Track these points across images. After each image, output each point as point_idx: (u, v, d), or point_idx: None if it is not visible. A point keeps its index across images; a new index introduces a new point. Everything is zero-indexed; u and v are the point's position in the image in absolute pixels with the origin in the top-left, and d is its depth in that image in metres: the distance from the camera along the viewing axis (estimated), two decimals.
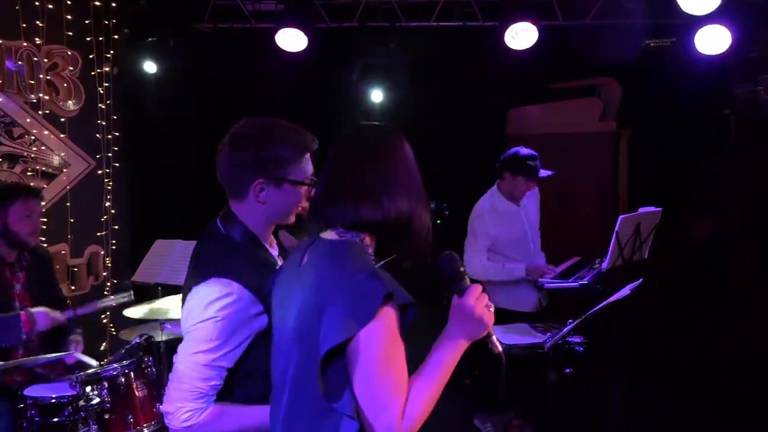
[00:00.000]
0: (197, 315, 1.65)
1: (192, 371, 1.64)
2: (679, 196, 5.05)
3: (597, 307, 2.87)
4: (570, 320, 2.99)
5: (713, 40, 4.49)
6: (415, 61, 5.18)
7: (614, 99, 5.82)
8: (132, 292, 3.61)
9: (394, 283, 1.35)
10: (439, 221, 5.60)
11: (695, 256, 5.13)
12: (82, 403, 2.60)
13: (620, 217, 3.41)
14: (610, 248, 3.40)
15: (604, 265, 3.45)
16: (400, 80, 5.06)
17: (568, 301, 3.72)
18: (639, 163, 5.69)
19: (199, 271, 1.70)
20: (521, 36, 4.65)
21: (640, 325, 3.86)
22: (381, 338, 1.29)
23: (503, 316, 3.83)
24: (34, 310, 3.00)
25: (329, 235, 1.47)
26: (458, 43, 5.28)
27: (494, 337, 1.46)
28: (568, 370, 3.12)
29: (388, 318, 1.30)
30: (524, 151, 3.80)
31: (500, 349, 1.47)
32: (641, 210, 3.58)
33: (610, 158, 5.68)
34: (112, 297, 3.71)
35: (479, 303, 1.41)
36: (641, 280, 2.96)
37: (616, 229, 3.37)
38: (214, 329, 1.62)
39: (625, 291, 2.86)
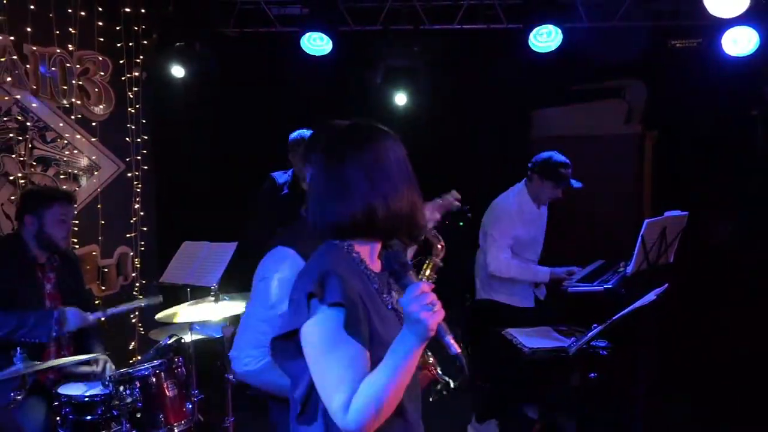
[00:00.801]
0: (261, 273, 1.87)
1: (253, 321, 1.84)
2: (705, 200, 5.00)
3: (622, 312, 2.87)
4: (594, 324, 2.99)
5: (740, 41, 4.44)
6: (438, 64, 5.20)
7: (639, 101, 5.77)
8: (161, 296, 3.69)
9: (335, 283, 1.37)
10: (462, 224, 5.60)
11: (721, 260, 5.07)
12: (115, 402, 2.67)
13: (646, 220, 3.40)
14: (636, 252, 3.39)
15: (629, 269, 3.44)
16: (423, 83, 5.08)
17: (589, 304, 3.71)
18: (664, 166, 5.63)
19: (274, 239, 1.92)
20: (546, 38, 4.65)
21: (665, 330, 3.83)
22: (316, 335, 1.38)
23: (505, 312, 3.91)
24: (67, 309, 3.10)
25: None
26: (481, 45, 5.28)
27: (449, 338, 1.36)
28: (592, 374, 3.12)
29: (320, 316, 1.38)
30: (559, 157, 3.78)
31: (458, 349, 1.36)
32: (667, 214, 3.56)
33: (635, 161, 5.63)
34: (141, 299, 3.79)
35: (417, 303, 1.31)
36: (667, 285, 2.95)
37: (642, 232, 3.36)
38: (272, 288, 1.81)
39: (651, 296, 2.85)
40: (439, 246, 2.16)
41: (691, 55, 5.02)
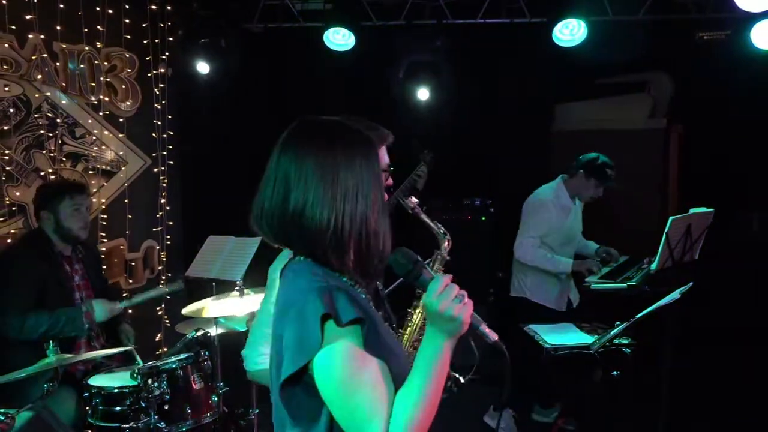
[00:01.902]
0: (272, 271, 1.86)
1: (267, 318, 1.79)
2: (732, 197, 4.94)
3: (646, 311, 2.86)
4: (618, 322, 2.98)
5: None
6: (461, 58, 5.18)
7: (665, 94, 5.70)
8: (182, 282, 3.78)
9: (343, 301, 1.23)
10: (484, 218, 5.61)
11: (749, 256, 5.01)
12: (143, 394, 2.73)
13: (671, 218, 3.37)
14: (660, 250, 3.37)
15: (654, 266, 3.42)
16: (446, 78, 5.07)
17: (613, 301, 3.70)
18: (690, 161, 5.56)
19: None
20: (570, 32, 4.61)
21: (690, 327, 3.80)
22: (339, 361, 1.20)
23: (535, 310, 3.94)
24: (94, 301, 3.18)
25: (292, 256, 1.40)
26: (505, 40, 5.26)
27: (483, 327, 1.31)
28: (615, 372, 3.11)
29: (339, 338, 1.20)
30: (606, 158, 3.93)
31: (495, 337, 1.32)
32: (692, 211, 3.53)
33: (660, 156, 5.57)
34: (164, 287, 3.87)
35: (445, 299, 1.24)
36: (691, 283, 2.92)
37: (667, 230, 3.34)
38: None
39: (675, 294, 2.83)
40: (446, 242, 2.06)
41: (718, 47, 4.94)
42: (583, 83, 5.67)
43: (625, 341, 3.12)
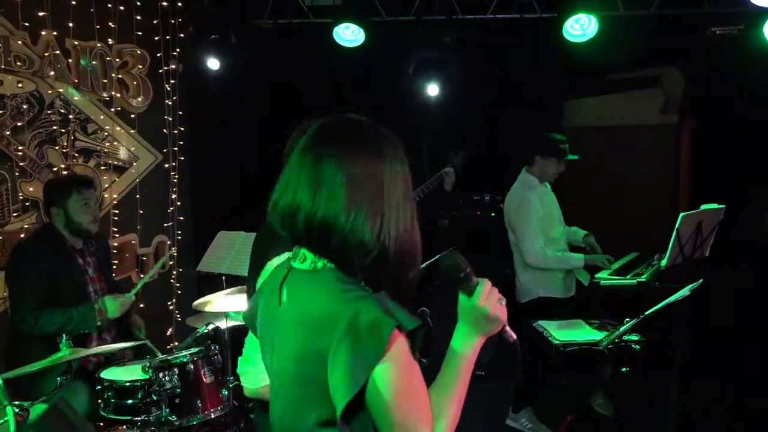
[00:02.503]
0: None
1: None
2: (744, 191, 4.89)
3: (655, 308, 2.85)
4: (627, 319, 2.98)
5: None
6: (471, 54, 5.17)
7: (676, 90, 5.65)
8: (169, 258, 3.93)
9: (395, 308, 1.20)
10: (494, 214, 5.60)
11: (759, 255, 4.96)
12: (154, 387, 2.76)
13: (681, 214, 3.36)
14: (671, 246, 3.36)
15: (664, 263, 3.41)
16: (455, 74, 5.06)
17: (622, 298, 3.69)
18: (702, 157, 5.52)
19: None
20: (581, 28, 4.59)
21: (700, 324, 3.79)
22: (396, 375, 1.16)
23: (541, 305, 3.96)
24: (105, 298, 3.22)
25: (302, 262, 1.30)
26: (515, 35, 5.23)
27: (507, 328, 1.37)
28: (624, 369, 3.10)
29: (398, 351, 1.16)
30: (552, 134, 4.09)
31: (515, 337, 1.37)
32: (703, 207, 3.51)
33: (672, 152, 5.53)
34: (153, 269, 3.93)
35: (492, 302, 1.29)
36: (701, 280, 2.91)
37: (677, 226, 3.32)
38: None
39: (685, 291, 2.82)
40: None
41: (730, 42, 4.89)
42: (594, 79, 5.63)
43: (634, 338, 3.12)
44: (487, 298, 1.28)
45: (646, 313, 2.86)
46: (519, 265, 4.09)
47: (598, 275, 3.85)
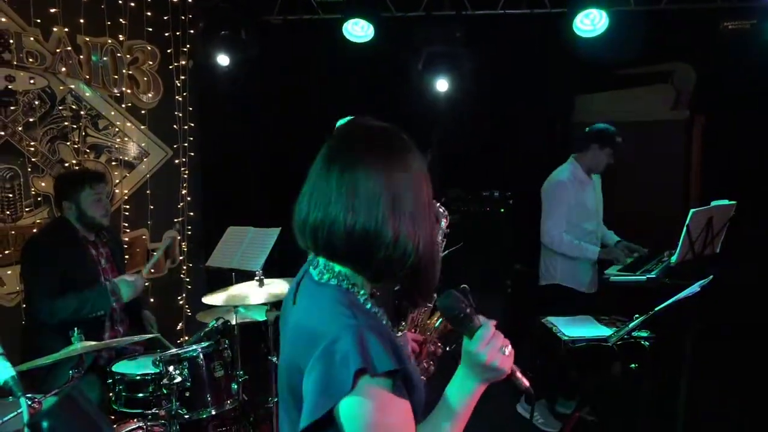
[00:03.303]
0: None
1: None
2: (755, 187, 4.86)
3: (665, 304, 2.84)
4: (637, 315, 2.97)
5: None
6: (480, 49, 5.16)
7: (688, 85, 5.62)
8: (171, 239, 4.12)
9: (376, 346, 1.13)
10: (503, 210, 5.60)
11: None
12: (165, 381, 2.78)
13: (692, 210, 3.34)
14: (681, 242, 3.34)
15: (674, 259, 3.40)
16: (465, 69, 5.05)
17: (632, 294, 3.68)
18: (713, 153, 5.48)
19: None
20: (591, 23, 4.56)
21: (710, 321, 3.77)
22: (365, 412, 1.10)
23: (560, 292, 3.99)
24: (117, 279, 3.25)
25: (314, 269, 1.28)
26: (525, 30, 5.21)
27: (518, 374, 1.28)
28: (633, 365, 3.10)
29: (369, 389, 1.11)
30: (611, 127, 4.10)
31: (527, 384, 1.29)
32: (714, 203, 3.49)
33: (683, 147, 5.50)
34: (159, 252, 3.95)
35: (491, 350, 1.20)
36: (711, 276, 2.90)
37: (687, 222, 3.31)
38: None
39: (695, 288, 2.81)
40: (444, 219, 1.99)
41: (743, 37, 4.84)
42: (605, 74, 5.60)
43: (644, 334, 3.11)
44: (486, 345, 1.20)
45: (656, 309, 2.86)
46: (545, 249, 4.11)
47: (607, 271, 3.84)
